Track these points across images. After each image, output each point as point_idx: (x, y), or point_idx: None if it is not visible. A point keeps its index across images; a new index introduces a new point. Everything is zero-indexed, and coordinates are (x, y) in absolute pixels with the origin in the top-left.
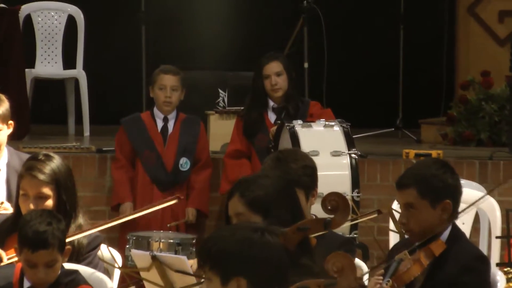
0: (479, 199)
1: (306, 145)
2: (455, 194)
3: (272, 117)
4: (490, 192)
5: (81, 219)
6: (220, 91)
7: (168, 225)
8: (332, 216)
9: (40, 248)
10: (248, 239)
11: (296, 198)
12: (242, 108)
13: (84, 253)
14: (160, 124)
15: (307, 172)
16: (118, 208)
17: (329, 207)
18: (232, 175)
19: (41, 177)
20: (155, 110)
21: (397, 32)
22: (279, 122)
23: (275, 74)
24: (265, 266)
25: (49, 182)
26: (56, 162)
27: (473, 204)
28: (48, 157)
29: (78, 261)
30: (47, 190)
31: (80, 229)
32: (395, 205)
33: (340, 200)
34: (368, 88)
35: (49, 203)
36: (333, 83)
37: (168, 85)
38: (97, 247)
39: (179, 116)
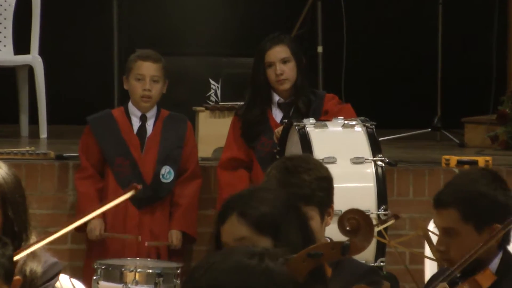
0: None
1: (320, 150)
2: (506, 215)
3: (277, 115)
4: None
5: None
6: (212, 82)
7: (147, 243)
8: (351, 239)
9: None
10: (244, 267)
11: (304, 215)
12: (239, 103)
13: (38, 284)
14: (136, 123)
15: (322, 185)
16: (84, 229)
17: (348, 228)
18: (227, 191)
19: None
20: (131, 106)
21: (435, 9)
22: (286, 121)
23: (281, 61)
24: None
25: None
26: (0, 171)
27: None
28: None
29: None
30: None
31: (33, 254)
32: (432, 226)
33: (361, 219)
34: (398, 78)
35: None
36: (353, 72)
37: (147, 74)
38: (55, 277)
39: (161, 113)
